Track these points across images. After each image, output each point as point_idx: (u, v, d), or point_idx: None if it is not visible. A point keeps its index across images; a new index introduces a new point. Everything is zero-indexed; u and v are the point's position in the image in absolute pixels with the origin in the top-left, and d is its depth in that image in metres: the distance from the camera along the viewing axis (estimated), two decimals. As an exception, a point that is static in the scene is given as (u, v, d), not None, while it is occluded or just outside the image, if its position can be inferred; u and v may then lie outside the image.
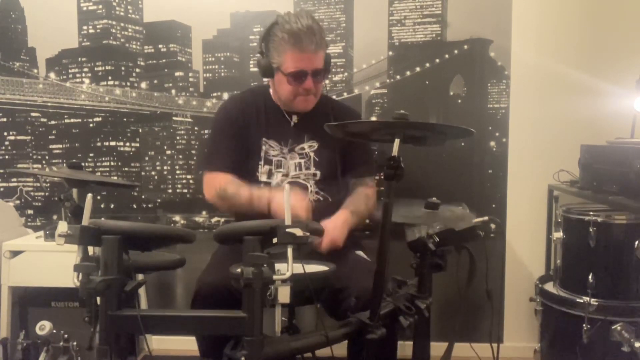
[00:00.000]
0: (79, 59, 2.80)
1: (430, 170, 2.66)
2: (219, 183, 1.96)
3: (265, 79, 2.14)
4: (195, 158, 2.80)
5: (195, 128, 2.80)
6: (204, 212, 2.82)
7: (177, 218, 2.84)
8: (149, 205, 2.84)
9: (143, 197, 2.84)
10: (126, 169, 2.84)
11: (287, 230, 1.31)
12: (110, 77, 2.80)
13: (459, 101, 2.69)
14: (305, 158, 2.03)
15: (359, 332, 1.43)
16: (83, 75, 2.80)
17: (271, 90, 2.10)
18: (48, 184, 2.85)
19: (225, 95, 2.73)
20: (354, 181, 2.09)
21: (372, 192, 2.09)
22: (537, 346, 2.40)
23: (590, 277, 2.08)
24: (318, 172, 2.02)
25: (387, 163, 1.36)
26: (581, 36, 2.59)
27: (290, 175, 2.02)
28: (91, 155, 2.83)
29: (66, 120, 2.83)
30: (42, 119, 2.83)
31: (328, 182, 2.03)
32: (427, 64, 2.68)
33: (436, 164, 2.67)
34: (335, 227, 1.86)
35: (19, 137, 2.85)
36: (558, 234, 2.27)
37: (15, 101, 2.83)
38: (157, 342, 2.53)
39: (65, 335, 2.18)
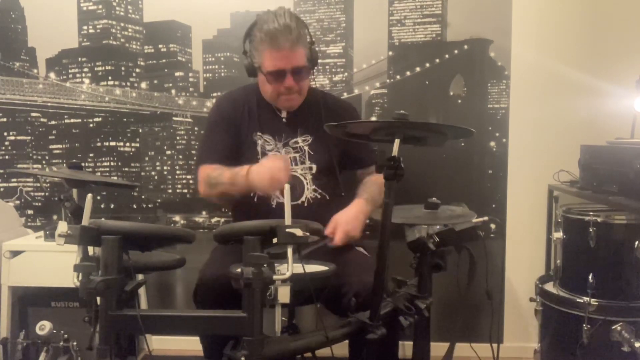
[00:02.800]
0: (79, 59, 2.80)
1: (430, 170, 2.66)
2: (207, 172, 1.97)
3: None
4: (195, 158, 2.80)
5: (195, 128, 2.80)
6: (204, 212, 2.82)
7: (177, 218, 2.84)
8: (149, 205, 2.84)
9: (143, 197, 2.84)
10: (126, 169, 2.84)
11: (287, 230, 1.31)
12: (110, 77, 2.80)
13: (459, 101, 2.69)
14: (300, 152, 2.03)
15: (359, 332, 1.43)
16: (83, 75, 2.80)
17: None
18: (48, 184, 2.85)
19: (225, 95, 2.74)
20: (360, 172, 2.10)
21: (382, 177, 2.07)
22: (537, 346, 2.39)
23: (590, 277, 2.08)
24: (314, 166, 2.02)
25: (387, 163, 1.36)
26: (581, 36, 2.59)
27: None
28: (91, 155, 2.83)
29: (66, 120, 2.83)
30: (42, 119, 2.83)
31: (324, 177, 2.03)
32: (427, 64, 2.68)
33: (436, 164, 2.67)
34: (348, 220, 1.86)
35: (19, 137, 2.85)
36: (558, 234, 2.27)
37: (15, 101, 2.83)
38: (157, 342, 2.53)
39: (65, 335, 2.18)
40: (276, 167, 1.74)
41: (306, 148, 2.03)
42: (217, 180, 1.92)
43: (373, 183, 2.03)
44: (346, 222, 1.85)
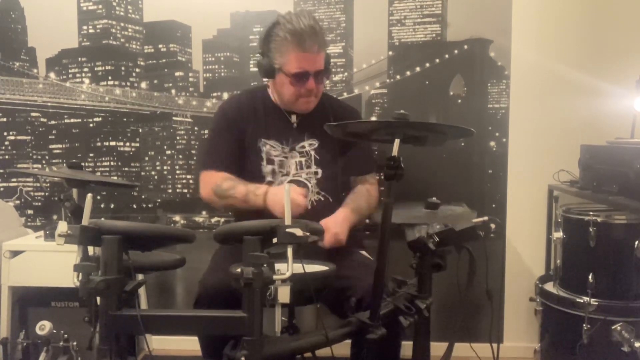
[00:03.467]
0: (79, 59, 2.80)
1: (430, 170, 2.66)
2: (215, 180, 1.96)
3: (265, 80, 2.13)
4: (195, 158, 2.80)
5: (195, 128, 2.80)
6: (204, 212, 2.82)
7: (177, 218, 2.84)
8: (149, 205, 2.84)
9: (143, 197, 2.84)
10: (126, 169, 2.84)
11: (287, 230, 1.31)
12: (110, 77, 2.80)
13: (459, 101, 2.69)
14: (306, 157, 2.03)
15: (359, 332, 1.43)
16: (83, 75, 2.80)
17: (269, 90, 2.10)
18: (48, 184, 2.85)
19: (225, 95, 2.73)
20: (354, 179, 2.10)
21: (374, 188, 2.09)
22: (537, 346, 2.40)
23: (590, 277, 2.08)
24: (319, 170, 2.02)
25: (387, 163, 1.36)
26: (581, 36, 2.59)
27: (292, 174, 2.02)
28: (91, 155, 2.83)
29: (66, 120, 2.83)
30: (42, 119, 2.83)
31: (329, 181, 2.03)
32: (427, 64, 2.68)
33: (436, 164, 2.67)
34: (336, 223, 1.87)
35: (19, 137, 2.85)
36: (558, 234, 2.27)
37: (15, 101, 2.83)
38: (157, 342, 2.53)
39: (65, 335, 2.18)
40: (296, 196, 1.76)
41: (312, 152, 2.03)
42: (229, 193, 1.92)
43: (362, 194, 2.04)
44: (334, 224, 1.87)
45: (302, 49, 1.89)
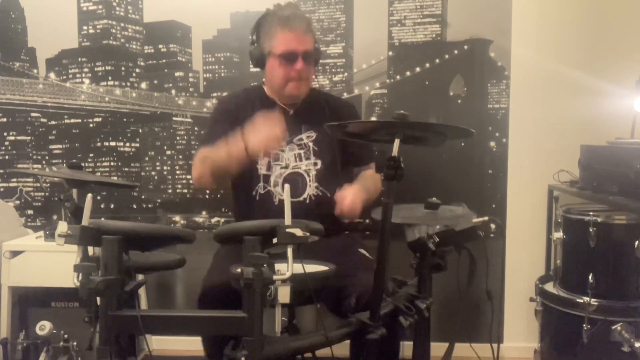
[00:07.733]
0: (79, 59, 2.80)
1: (430, 170, 2.66)
2: (202, 153, 1.96)
3: (259, 72, 2.14)
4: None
5: (195, 128, 2.80)
6: (204, 212, 2.82)
7: (177, 218, 2.84)
8: (149, 205, 2.84)
9: (143, 197, 2.84)
10: (126, 169, 2.84)
11: (287, 230, 1.31)
12: (110, 78, 2.80)
13: (459, 101, 2.69)
14: (305, 148, 2.04)
15: (359, 332, 1.43)
16: (83, 75, 2.80)
17: (265, 87, 2.11)
18: (48, 184, 2.85)
19: (225, 96, 2.74)
20: (357, 170, 2.10)
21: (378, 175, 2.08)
22: (537, 346, 2.40)
23: (590, 277, 2.08)
24: (319, 162, 2.03)
25: (387, 163, 1.36)
26: (581, 36, 2.59)
27: (291, 166, 2.02)
28: (91, 155, 2.83)
29: (66, 121, 2.83)
30: (42, 119, 2.83)
31: (328, 174, 2.03)
32: (427, 64, 2.68)
33: (436, 164, 2.67)
34: (355, 192, 1.87)
35: (19, 137, 2.85)
36: (558, 234, 2.28)
37: (15, 101, 2.83)
38: (157, 342, 2.53)
39: (65, 335, 2.18)
40: (271, 130, 1.79)
41: (311, 144, 2.04)
42: (212, 156, 1.89)
43: (367, 176, 2.05)
44: (353, 193, 1.87)
45: (288, 29, 1.94)
